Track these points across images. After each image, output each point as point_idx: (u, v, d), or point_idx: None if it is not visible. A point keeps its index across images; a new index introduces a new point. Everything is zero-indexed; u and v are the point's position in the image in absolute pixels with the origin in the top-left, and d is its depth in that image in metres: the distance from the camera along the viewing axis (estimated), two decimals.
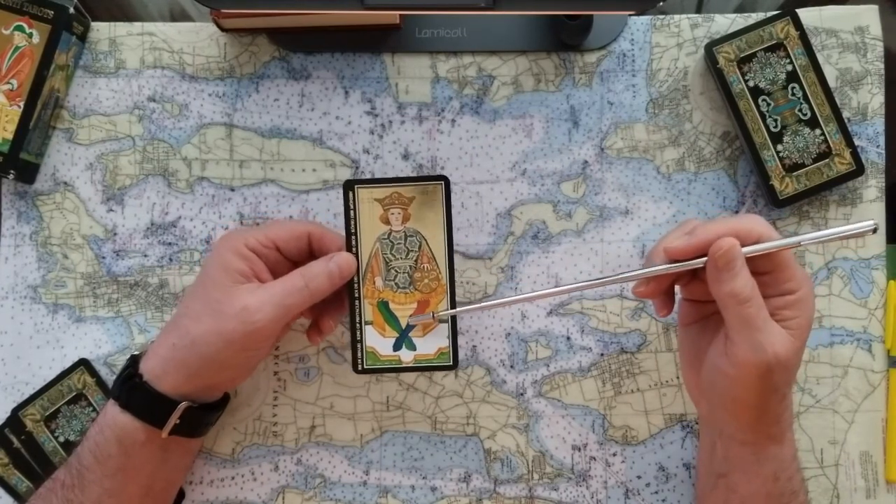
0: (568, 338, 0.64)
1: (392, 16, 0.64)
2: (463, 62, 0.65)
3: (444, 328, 0.58)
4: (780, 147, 0.62)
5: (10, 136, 0.61)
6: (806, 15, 0.63)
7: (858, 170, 0.62)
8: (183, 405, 0.55)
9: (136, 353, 0.58)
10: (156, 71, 0.65)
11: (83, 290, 0.64)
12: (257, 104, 0.65)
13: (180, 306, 0.57)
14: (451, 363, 0.58)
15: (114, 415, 0.55)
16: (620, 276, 0.54)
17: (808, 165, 0.62)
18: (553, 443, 0.64)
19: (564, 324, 0.64)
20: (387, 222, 0.57)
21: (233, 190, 0.65)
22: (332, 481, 0.64)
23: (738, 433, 0.54)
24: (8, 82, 0.61)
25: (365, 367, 0.58)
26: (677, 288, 0.57)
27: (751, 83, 0.62)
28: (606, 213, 0.65)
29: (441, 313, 0.57)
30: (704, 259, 0.52)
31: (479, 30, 0.65)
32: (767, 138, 0.62)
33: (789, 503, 0.55)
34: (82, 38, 0.65)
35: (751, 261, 0.51)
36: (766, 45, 0.62)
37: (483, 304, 0.57)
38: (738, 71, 0.62)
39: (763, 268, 0.52)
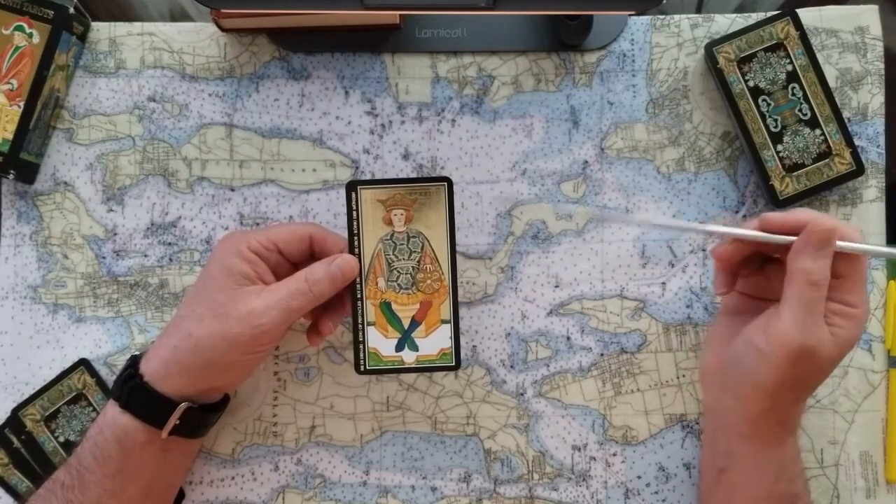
0: (568, 338, 0.64)
1: (392, 16, 0.64)
2: (463, 62, 0.65)
3: (447, 329, 0.58)
4: (780, 147, 0.62)
5: (10, 136, 0.61)
6: (806, 15, 0.63)
7: (858, 170, 0.62)
8: (183, 406, 0.54)
9: (136, 353, 0.58)
10: (156, 71, 0.65)
11: (83, 290, 0.64)
12: (257, 104, 0.65)
13: (182, 308, 0.57)
14: (453, 364, 0.58)
15: (114, 415, 0.55)
16: (710, 227, 0.55)
17: (808, 165, 0.62)
18: (553, 443, 0.64)
19: (564, 324, 0.64)
20: (389, 223, 0.57)
21: (233, 190, 0.65)
22: (332, 481, 0.64)
23: (741, 424, 0.54)
24: (8, 82, 0.61)
25: (367, 367, 0.58)
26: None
27: (751, 83, 0.62)
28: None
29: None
30: (791, 238, 0.52)
31: (479, 30, 0.65)
32: (767, 138, 0.62)
33: None
34: (82, 38, 0.65)
35: (834, 262, 0.52)
36: (766, 45, 0.62)
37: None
38: (738, 71, 0.62)
39: (839, 271, 0.52)
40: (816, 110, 0.62)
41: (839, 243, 0.52)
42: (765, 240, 0.54)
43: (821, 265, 0.51)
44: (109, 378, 0.64)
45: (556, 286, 0.64)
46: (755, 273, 0.57)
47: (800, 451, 0.56)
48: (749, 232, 0.54)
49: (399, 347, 0.58)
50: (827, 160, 0.62)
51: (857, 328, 0.52)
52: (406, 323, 0.58)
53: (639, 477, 0.64)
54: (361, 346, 0.58)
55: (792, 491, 0.54)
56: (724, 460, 0.56)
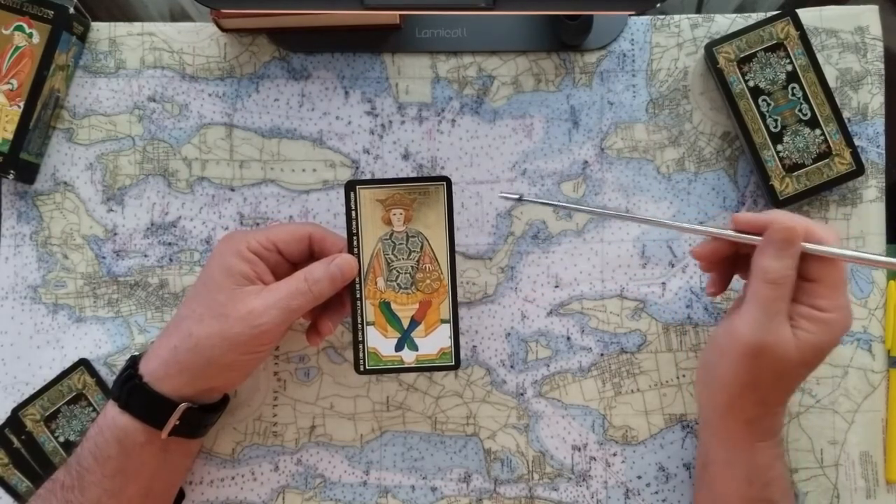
0: (568, 338, 0.64)
1: (392, 16, 0.64)
2: (463, 62, 0.65)
3: (446, 328, 0.58)
4: (780, 147, 0.62)
5: (10, 136, 0.61)
6: (806, 15, 0.63)
7: (858, 170, 0.62)
8: (183, 406, 0.54)
9: (136, 353, 0.58)
10: (156, 71, 0.65)
11: (83, 290, 0.64)
12: (257, 104, 0.65)
13: (182, 308, 0.57)
14: (453, 363, 0.58)
15: (114, 416, 0.55)
16: (681, 224, 0.55)
17: (808, 165, 0.62)
18: (553, 443, 0.64)
19: (564, 324, 0.64)
20: (389, 223, 0.57)
21: (233, 190, 0.65)
22: (332, 481, 0.64)
23: (713, 419, 0.55)
24: (8, 82, 0.61)
25: (367, 367, 0.58)
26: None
27: (751, 83, 0.62)
28: None
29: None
30: (759, 238, 0.52)
31: (479, 30, 0.65)
32: (767, 138, 0.62)
33: None
34: (82, 38, 0.65)
35: (805, 265, 0.51)
36: (766, 45, 0.62)
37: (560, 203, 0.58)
38: (738, 71, 0.62)
39: (811, 275, 0.52)
40: (816, 110, 0.62)
41: (807, 245, 0.51)
42: (734, 238, 0.54)
43: (780, 265, 0.50)
44: (109, 378, 0.64)
45: (556, 286, 0.64)
46: None
47: (778, 459, 0.55)
48: (718, 230, 0.54)
49: (399, 347, 0.58)
50: (827, 160, 0.62)
51: (826, 334, 0.51)
52: (405, 322, 0.58)
53: (639, 477, 0.64)
54: (361, 346, 0.58)
55: (766, 496, 0.54)
56: (706, 456, 0.57)
